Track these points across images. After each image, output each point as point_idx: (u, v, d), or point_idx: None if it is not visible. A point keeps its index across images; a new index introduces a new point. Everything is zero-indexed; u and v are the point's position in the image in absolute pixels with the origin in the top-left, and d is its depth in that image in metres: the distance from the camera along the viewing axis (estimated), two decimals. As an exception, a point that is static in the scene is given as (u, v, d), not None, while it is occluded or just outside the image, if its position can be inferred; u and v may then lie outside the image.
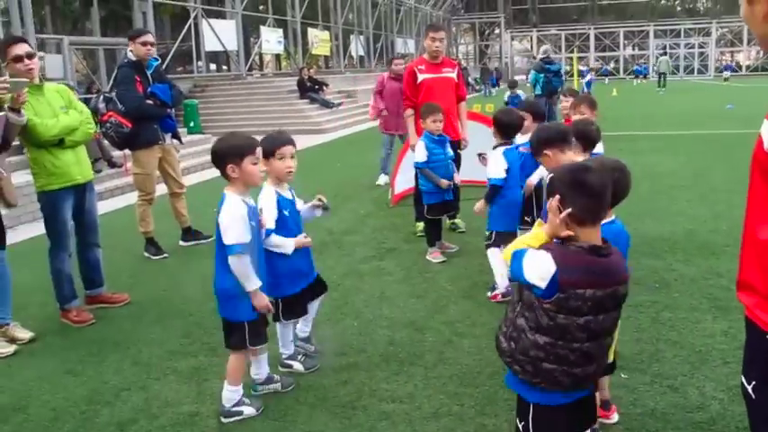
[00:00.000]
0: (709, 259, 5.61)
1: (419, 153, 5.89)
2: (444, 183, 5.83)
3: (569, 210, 2.24)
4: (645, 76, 46.49)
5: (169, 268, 6.35)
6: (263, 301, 3.40)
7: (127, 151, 6.91)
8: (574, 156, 3.61)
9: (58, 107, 4.78)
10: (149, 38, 6.51)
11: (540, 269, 2.23)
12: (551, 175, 2.43)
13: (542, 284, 2.23)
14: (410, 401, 3.58)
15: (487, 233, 5.11)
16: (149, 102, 6.45)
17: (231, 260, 3.27)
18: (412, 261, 6.11)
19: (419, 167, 5.97)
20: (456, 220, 7.13)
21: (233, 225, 3.25)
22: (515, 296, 2.47)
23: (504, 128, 4.99)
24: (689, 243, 6.24)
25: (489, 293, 5.09)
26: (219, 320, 4.74)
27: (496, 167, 4.88)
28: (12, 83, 4.10)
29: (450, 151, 5.98)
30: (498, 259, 4.88)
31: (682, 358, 3.90)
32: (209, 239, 7.04)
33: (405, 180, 8.60)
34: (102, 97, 6.55)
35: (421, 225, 6.77)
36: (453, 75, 6.75)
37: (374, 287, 5.46)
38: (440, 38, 6.63)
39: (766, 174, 1.72)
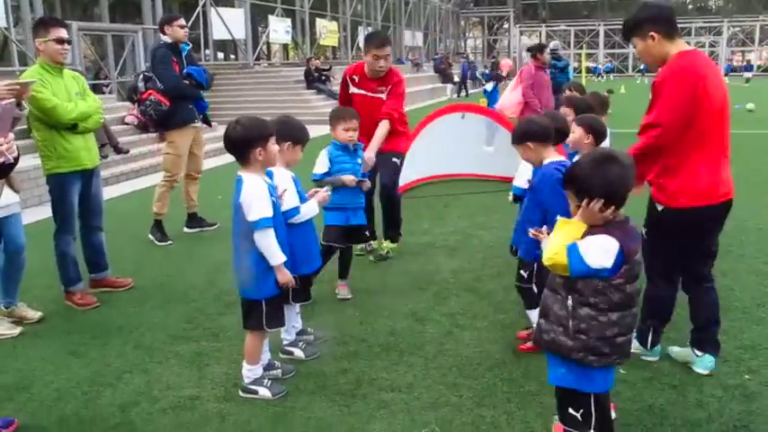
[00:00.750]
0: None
1: (318, 164, 4.78)
2: (348, 178, 4.73)
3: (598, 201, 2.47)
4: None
5: (173, 254, 6.39)
6: (286, 275, 3.45)
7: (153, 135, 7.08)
8: (555, 152, 3.72)
9: (73, 92, 4.88)
10: (183, 21, 6.79)
11: (606, 250, 2.46)
12: (578, 172, 2.61)
13: (609, 264, 2.45)
14: (409, 391, 3.61)
15: (520, 272, 3.96)
16: (186, 82, 6.63)
17: (257, 235, 3.33)
18: (415, 252, 6.13)
19: (315, 180, 4.73)
20: (385, 244, 6.10)
21: (256, 201, 3.32)
22: (558, 294, 2.62)
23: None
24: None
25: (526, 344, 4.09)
26: (222, 306, 4.84)
27: (519, 177, 4.14)
28: (22, 84, 4.12)
29: (359, 161, 4.93)
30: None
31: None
32: (213, 227, 7.09)
33: (409, 172, 8.61)
34: (141, 76, 6.72)
35: (386, 243, 6.08)
36: (383, 95, 5.70)
37: (376, 278, 5.48)
38: (384, 55, 5.56)
39: None
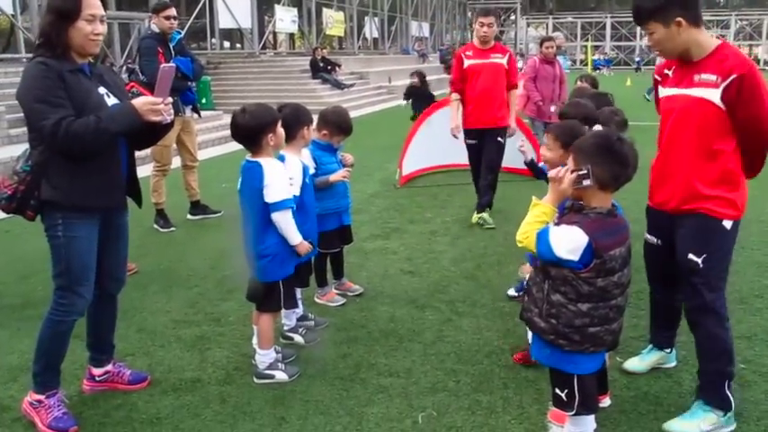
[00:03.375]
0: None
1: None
2: (341, 174, 4.37)
3: (586, 176, 2.46)
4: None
5: (176, 240, 6.44)
6: (305, 246, 3.58)
7: None
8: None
9: None
10: (173, 12, 6.65)
11: (572, 243, 2.45)
12: (578, 141, 2.65)
13: (576, 257, 2.45)
14: (407, 376, 3.65)
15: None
16: None
17: (276, 216, 3.42)
18: (416, 241, 6.17)
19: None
20: (483, 215, 6.73)
21: (276, 183, 3.41)
22: (538, 276, 2.67)
23: None
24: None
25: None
26: (224, 292, 4.89)
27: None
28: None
29: (339, 157, 4.54)
30: None
31: (678, 345, 3.92)
32: (217, 214, 7.14)
33: (412, 162, 8.67)
34: (124, 68, 6.65)
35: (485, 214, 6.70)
36: (503, 61, 6.60)
37: (377, 265, 5.52)
38: (488, 23, 6.49)
39: None
